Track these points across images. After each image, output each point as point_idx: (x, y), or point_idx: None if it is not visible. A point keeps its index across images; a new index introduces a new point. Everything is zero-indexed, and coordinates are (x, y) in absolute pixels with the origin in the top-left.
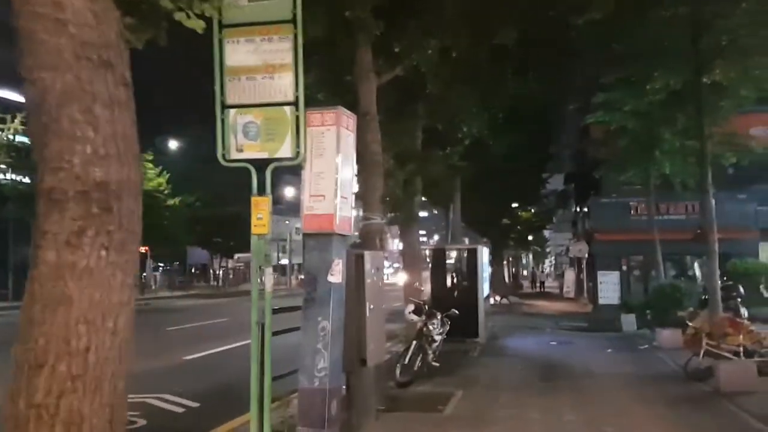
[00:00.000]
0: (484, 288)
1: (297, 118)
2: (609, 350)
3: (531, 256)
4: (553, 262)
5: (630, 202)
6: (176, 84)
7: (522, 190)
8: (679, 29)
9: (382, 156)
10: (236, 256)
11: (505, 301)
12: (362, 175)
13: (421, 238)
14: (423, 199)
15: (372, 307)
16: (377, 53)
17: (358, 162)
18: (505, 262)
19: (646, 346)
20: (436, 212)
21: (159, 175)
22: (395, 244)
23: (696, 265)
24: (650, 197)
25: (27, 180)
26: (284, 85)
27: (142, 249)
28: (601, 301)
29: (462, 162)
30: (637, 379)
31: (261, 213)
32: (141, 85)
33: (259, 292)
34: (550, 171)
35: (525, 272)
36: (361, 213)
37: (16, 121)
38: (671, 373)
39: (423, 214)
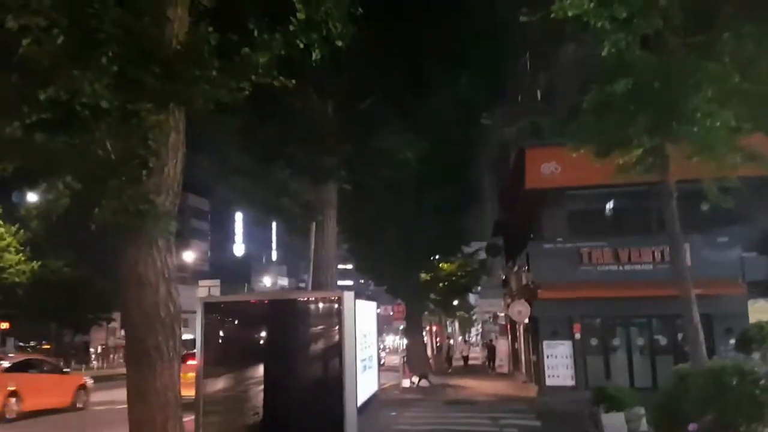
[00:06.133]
0: (360, 367)
1: None
2: None
3: (457, 324)
4: (480, 330)
5: (582, 248)
6: None
7: (441, 239)
8: None
9: None
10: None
11: (424, 382)
12: None
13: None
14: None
15: None
16: None
17: None
18: (426, 332)
19: None
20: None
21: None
22: None
23: None
24: (672, 198)
25: None
26: None
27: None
28: (548, 382)
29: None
30: None
31: None
32: None
33: None
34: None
35: (451, 341)
36: None
37: None
38: None
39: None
